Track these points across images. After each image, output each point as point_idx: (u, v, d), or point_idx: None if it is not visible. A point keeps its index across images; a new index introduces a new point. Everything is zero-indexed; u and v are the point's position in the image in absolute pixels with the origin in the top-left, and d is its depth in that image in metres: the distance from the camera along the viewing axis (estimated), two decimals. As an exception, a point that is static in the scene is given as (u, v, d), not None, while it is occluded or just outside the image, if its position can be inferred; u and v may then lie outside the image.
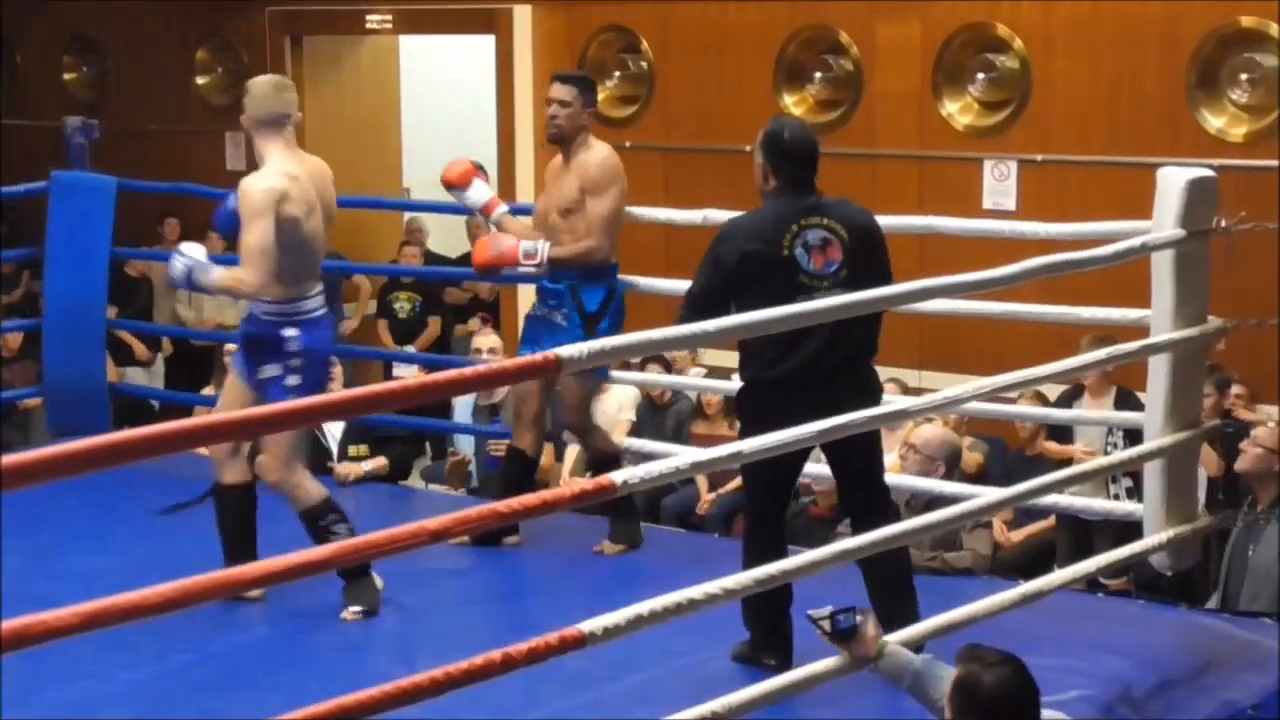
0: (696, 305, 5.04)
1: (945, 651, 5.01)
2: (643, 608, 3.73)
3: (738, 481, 8.72)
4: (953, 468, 6.90)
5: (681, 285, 7.05)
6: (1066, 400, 8.31)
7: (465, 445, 8.42)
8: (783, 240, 5.04)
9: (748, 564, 4.74)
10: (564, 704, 4.98)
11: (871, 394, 5.12)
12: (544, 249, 6.41)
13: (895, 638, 4.36)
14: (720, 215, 6.89)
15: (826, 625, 4.23)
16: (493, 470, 7.72)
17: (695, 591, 3.81)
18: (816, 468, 7.65)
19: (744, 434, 4.95)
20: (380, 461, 7.76)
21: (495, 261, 6.50)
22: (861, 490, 5.31)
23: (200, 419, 2.81)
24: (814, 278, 5.04)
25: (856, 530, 4.93)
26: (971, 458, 8.39)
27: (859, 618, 4.25)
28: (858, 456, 5.19)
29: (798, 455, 5.01)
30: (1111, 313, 5.81)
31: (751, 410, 5.15)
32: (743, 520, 5.44)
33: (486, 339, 8.82)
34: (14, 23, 13.69)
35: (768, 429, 4.35)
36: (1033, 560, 7.82)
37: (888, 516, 5.13)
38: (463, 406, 8.80)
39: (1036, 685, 3.68)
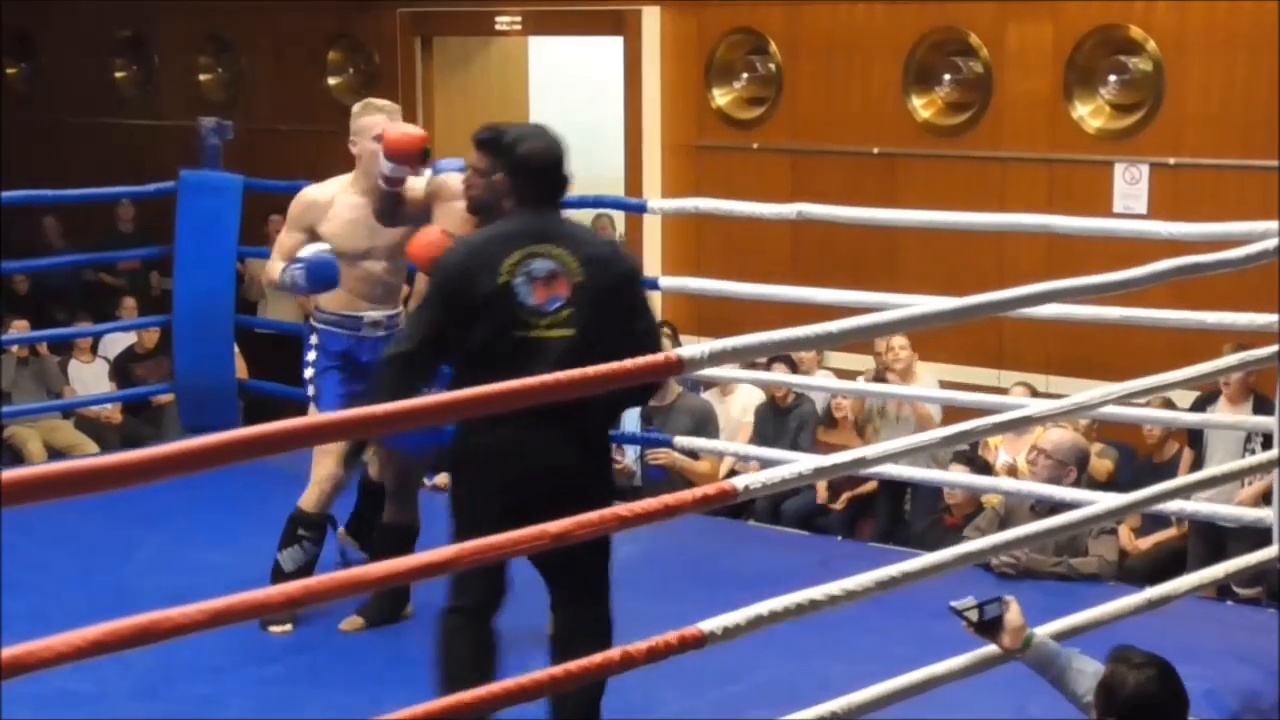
0: (408, 332, 4.59)
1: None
2: (762, 608, 3.72)
3: (868, 485, 8.71)
4: (1081, 471, 6.84)
5: (802, 291, 7.08)
6: (1200, 407, 8.19)
7: (629, 454, 8.45)
8: (500, 267, 4.38)
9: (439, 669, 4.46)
10: (684, 704, 4.99)
11: (601, 493, 4.34)
12: None
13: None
14: (814, 210, 6.87)
15: (973, 616, 4.16)
16: (655, 479, 7.75)
17: (815, 592, 3.80)
18: (947, 475, 7.63)
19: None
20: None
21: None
22: (573, 605, 4.58)
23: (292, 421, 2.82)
24: (532, 314, 4.37)
25: (558, 656, 4.28)
26: (1102, 465, 8.31)
27: (1004, 607, 4.17)
28: (571, 567, 4.42)
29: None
30: (1239, 318, 5.69)
31: (454, 477, 4.65)
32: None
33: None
34: (151, 23, 13.92)
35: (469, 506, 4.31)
36: (1161, 568, 7.71)
37: (598, 642, 4.06)
38: (631, 414, 8.77)
39: (1184, 692, 3.62)
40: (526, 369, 3.61)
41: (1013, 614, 4.15)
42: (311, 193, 6.11)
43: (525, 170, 4.58)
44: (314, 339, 6.06)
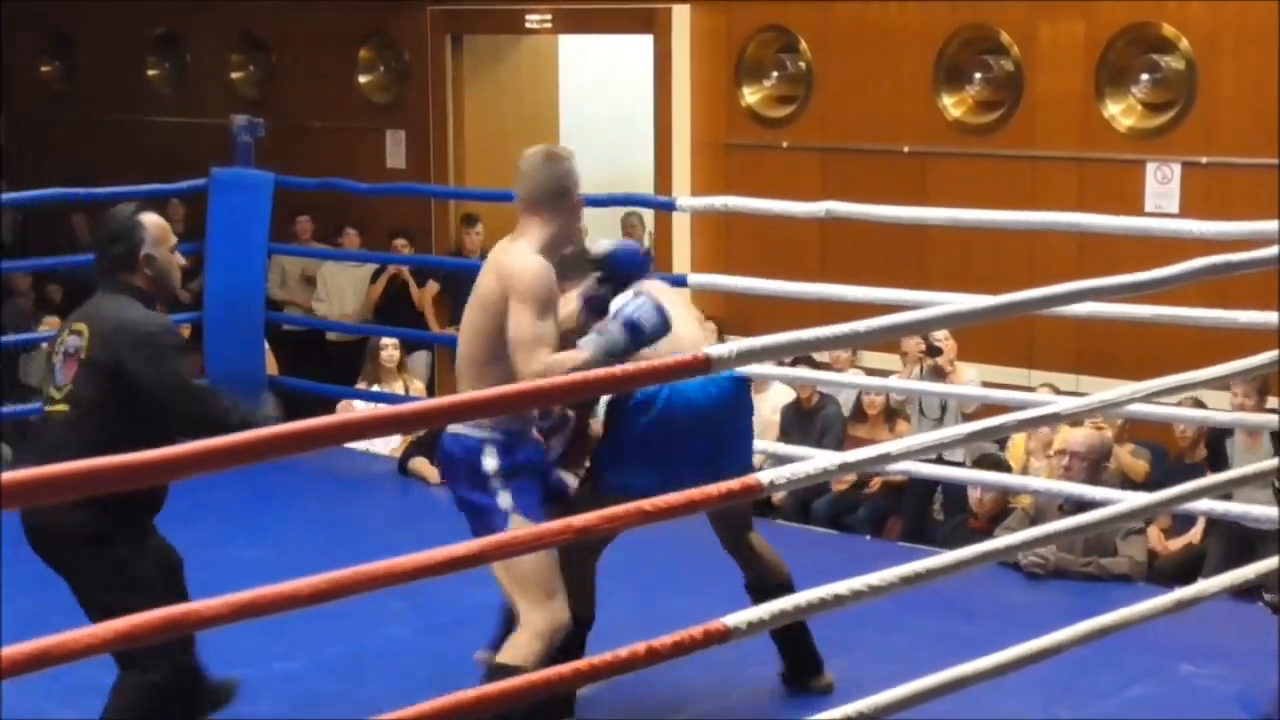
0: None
1: (1099, 656, 4.97)
2: (787, 603, 3.72)
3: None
4: (1108, 464, 6.84)
5: (831, 289, 7.08)
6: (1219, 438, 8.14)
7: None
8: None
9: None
10: (709, 700, 4.99)
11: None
12: None
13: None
14: (843, 208, 6.85)
15: None
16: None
17: (840, 588, 3.79)
18: (975, 474, 7.62)
19: None
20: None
21: None
22: None
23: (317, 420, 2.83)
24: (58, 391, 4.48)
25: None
26: (1138, 465, 8.28)
27: None
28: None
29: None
30: (1271, 317, 5.68)
31: None
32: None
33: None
34: (184, 21, 13.97)
35: None
36: (1191, 568, 7.69)
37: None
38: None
39: None
40: None
41: None
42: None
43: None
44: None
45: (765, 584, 5.12)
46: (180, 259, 4.72)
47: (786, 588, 4.97)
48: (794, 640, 5.16)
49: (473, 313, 4.75)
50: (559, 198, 4.91)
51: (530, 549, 3.37)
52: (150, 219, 4.62)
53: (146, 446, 3.66)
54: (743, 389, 5.08)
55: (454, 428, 4.66)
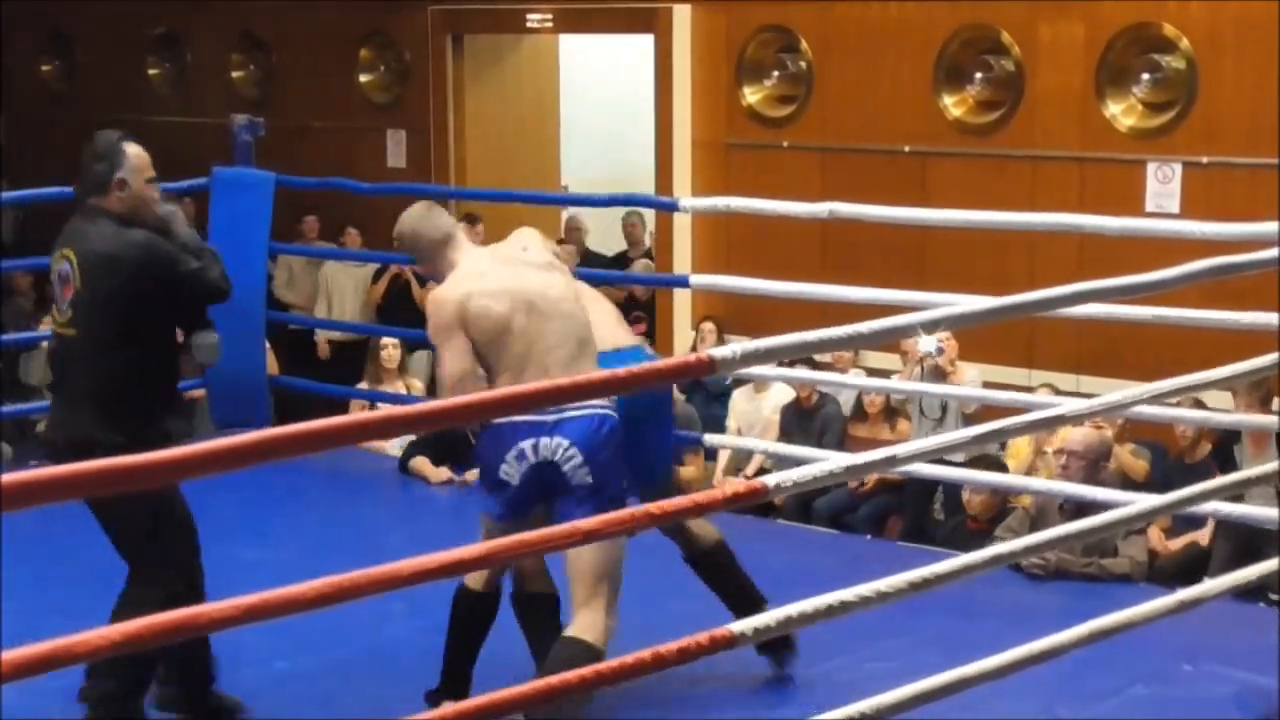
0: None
1: (1100, 657, 4.97)
2: (793, 609, 3.72)
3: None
4: (1108, 463, 6.84)
5: (832, 290, 7.09)
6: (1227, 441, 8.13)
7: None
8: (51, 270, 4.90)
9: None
10: (712, 704, 4.99)
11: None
12: None
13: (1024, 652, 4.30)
14: (844, 208, 6.86)
15: None
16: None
17: (846, 594, 3.79)
18: (975, 474, 7.63)
19: None
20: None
21: None
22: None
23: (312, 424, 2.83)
24: (61, 314, 4.85)
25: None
26: (1138, 465, 8.28)
27: None
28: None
29: None
30: (1271, 318, 5.68)
31: None
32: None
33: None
34: (185, 21, 13.97)
35: None
36: (1192, 569, 7.69)
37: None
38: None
39: None
40: None
41: None
42: None
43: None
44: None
45: (697, 551, 5.45)
46: (157, 194, 5.00)
47: (721, 549, 5.41)
48: (731, 586, 5.36)
49: None
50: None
51: (533, 550, 3.37)
52: (132, 148, 4.91)
53: (151, 365, 4.59)
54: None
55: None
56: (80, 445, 4.53)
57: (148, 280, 4.77)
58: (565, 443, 4.69)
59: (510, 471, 4.74)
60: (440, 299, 4.88)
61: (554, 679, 3.35)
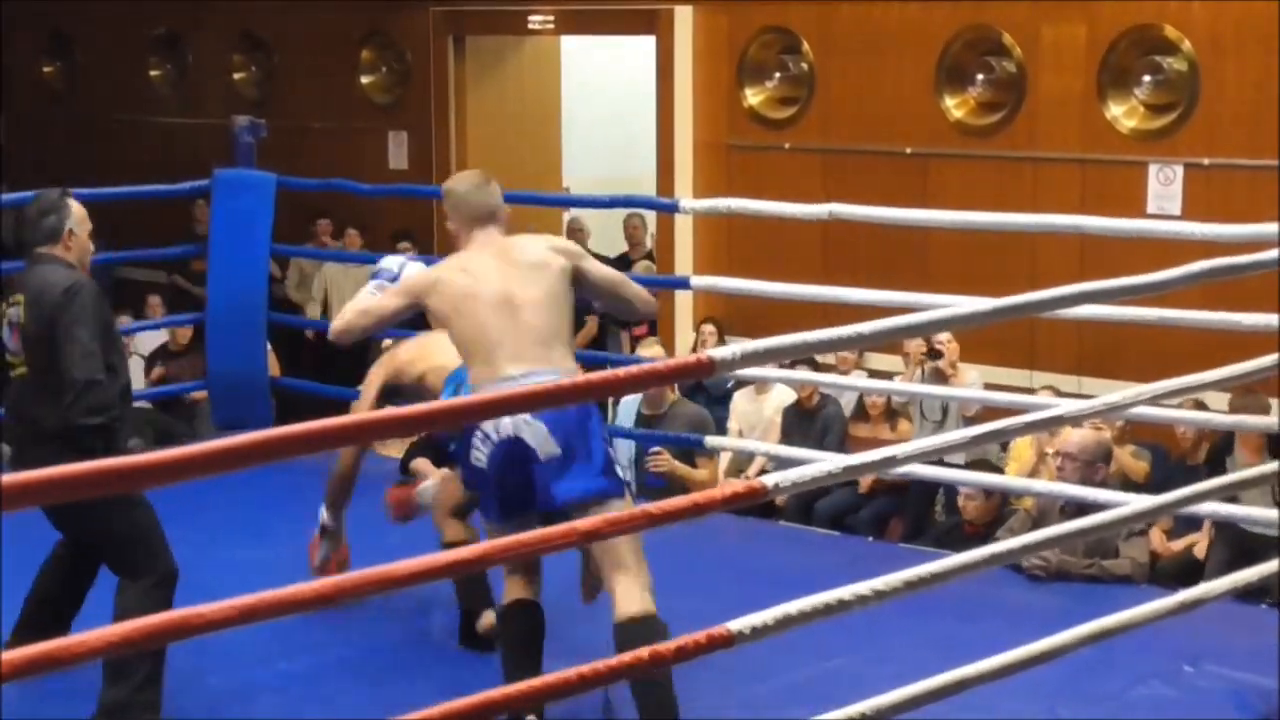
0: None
1: (1101, 658, 4.97)
2: (791, 607, 3.72)
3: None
4: (1108, 466, 6.83)
5: (833, 291, 7.08)
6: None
7: (624, 450, 8.40)
8: None
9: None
10: (712, 704, 4.99)
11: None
12: None
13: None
14: (845, 209, 6.85)
15: None
16: (653, 487, 7.70)
17: (844, 592, 3.79)
18: (973, 475, 7.62)
19: None
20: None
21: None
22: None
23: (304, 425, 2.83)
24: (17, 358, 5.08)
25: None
26: (1138, 466, 8.28)
27: None
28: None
29: None
30: (1272, 319, 5.67)
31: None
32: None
33: (651, 349, 8.86)
34: (185, 22, 13.98)
35: None
36: (1193, 570, 7.70)
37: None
38: (624, 413, 8.81)
39: None
40: None
41: None
42: None
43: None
44: None
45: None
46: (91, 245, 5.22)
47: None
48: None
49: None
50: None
51: (535, 550, 3.37)
52: (74, 202, 5.16)
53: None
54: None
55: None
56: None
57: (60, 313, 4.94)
58: (525, 415, 4.62)
59: (480, 456, 4.72)
60: (423, 270, 5.18)
61: (562, 675, 3.35)
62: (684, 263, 10.82)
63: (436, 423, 3.43)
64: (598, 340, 11.60)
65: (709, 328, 10.08)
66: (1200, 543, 7.93)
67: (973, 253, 9.25)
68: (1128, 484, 7.82)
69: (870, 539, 8.24)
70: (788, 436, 9.00)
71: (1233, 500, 6.35)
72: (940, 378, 8.55)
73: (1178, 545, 8.03)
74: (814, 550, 7.04)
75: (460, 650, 5.66)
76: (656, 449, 7.89)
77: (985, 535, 7.20)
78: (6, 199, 9.77)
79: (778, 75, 10.76)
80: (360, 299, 5.24)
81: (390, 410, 3.12)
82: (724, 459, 8.93)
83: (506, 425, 4.65)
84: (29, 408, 5.00)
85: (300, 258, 11.83)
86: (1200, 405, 7.89)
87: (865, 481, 8.86)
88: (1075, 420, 5.07)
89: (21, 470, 4.54)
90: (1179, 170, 9.14)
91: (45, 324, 4.92)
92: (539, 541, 3.30)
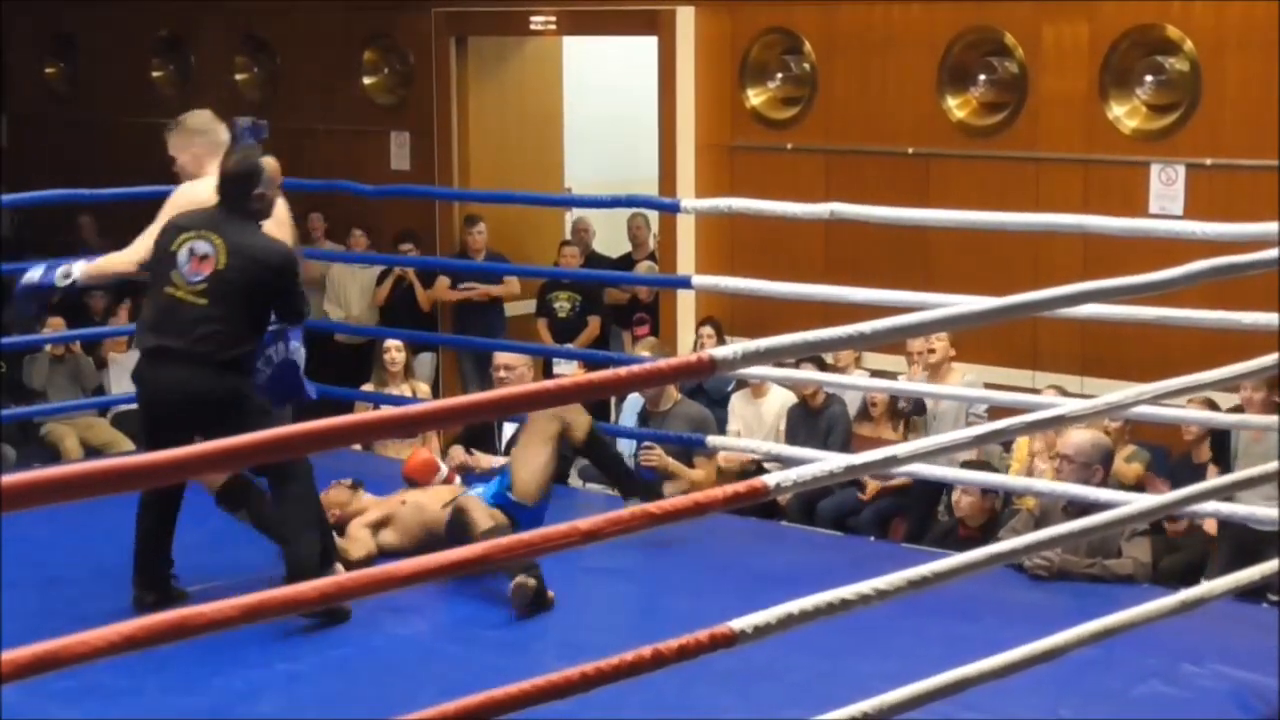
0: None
1: (1103, 657, 4.97)
2: (794, 607, 3.71)
3: (900, 479, 8.67)
4: (1107, 469, 6.82)
5: (835, 291, 7.08)
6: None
7: (625, 449, 8.39)
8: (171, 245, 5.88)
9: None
10: (715, 703, 4.99)
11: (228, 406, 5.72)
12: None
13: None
14: (847, 209, 6.85)
15: None
16: (648, 479, 7.69)
17: (846, 591, 3.79)
18: (973, 475, 7.62)
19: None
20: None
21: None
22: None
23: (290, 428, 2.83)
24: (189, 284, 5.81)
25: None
26: (1130, 469, 8.26)
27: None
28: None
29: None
30: (1273, 318, 5.66)
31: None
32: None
33: (650, 349, 8.86)
34: (188, 24, 13.98)
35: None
36: (1195, 570, 7.69)
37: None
38: (628, 412, 8.80)
39: None
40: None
41: None
42: None
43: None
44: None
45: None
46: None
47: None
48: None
49: None
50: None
51: (535, 549, 3.36)
52: (270, 162, 6.02)
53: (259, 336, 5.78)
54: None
55: None
56: (196, 396, 5.70)
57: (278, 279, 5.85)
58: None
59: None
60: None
61: (562, 675, 3.34)
62: (686, 262, 10.82)
63: (441, 422, 3.42)
64: (600, 339, 11.61)
65: (707, 330, 10.07)
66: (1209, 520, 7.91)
67: (975, 253, 9.25)
68: (1120, 486, 7.80)
69: (873, 539, 8.24)
70: (792, 435, 9.00)
71: (1232, 499, 6.34)
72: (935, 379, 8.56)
73: (1179, 525, 7.98)
74: (816, 550, 7.03)
75: (460, 650, 5.66)
76: (649, 444, 7.88)
77: (980, 538, 7.20)
78: (7, 199, 9.80)
79: (780, 76, 10.76)
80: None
81: (390, 410, 3.12)
82: (724, 461, 8.90)
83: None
84: (208, 337, 5.71)
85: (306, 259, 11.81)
86: (1212, 404, 7.86)
87: (868, 490, 8.85)
88: (1077, 420, 5.06)
89: (177, 390, 5.71)
90: (1181, 170, 9.14)
91: (243, 281, 5.74)
92: (539, 541, 3.30)
